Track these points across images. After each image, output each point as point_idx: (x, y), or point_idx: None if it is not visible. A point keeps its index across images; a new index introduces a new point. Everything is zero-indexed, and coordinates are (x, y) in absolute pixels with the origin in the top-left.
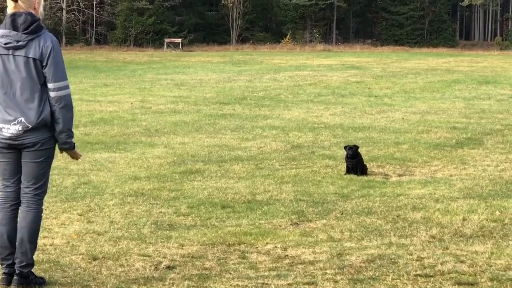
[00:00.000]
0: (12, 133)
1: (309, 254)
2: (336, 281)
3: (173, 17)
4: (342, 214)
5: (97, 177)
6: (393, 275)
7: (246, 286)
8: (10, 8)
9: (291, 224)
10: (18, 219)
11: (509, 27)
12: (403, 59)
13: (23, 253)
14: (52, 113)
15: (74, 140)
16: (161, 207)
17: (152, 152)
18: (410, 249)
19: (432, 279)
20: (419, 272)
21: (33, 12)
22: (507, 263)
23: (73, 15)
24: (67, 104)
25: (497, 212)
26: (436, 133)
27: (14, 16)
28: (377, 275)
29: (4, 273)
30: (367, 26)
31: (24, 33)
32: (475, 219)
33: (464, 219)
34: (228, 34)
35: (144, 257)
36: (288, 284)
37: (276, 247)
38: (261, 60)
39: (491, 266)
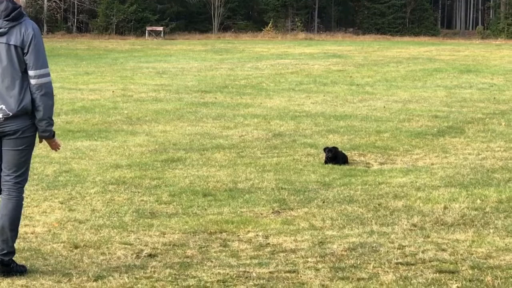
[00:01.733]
0: None
1: (291, 242)
2: (317, 269)
3: (154, 5)
4: (323, 202)
5: (78, 165)
6: (375, 263)
7: (227, 274)
8: None
9: (272, 212)
10: None
11: (491, 16)
12: (385, 48)
13: (4, 241)
14: (32, 100)
15: (54, 128)
16: (142, 195)
17: (133, 140)
18: (391, 237)
19: (413, 267)
20: (400, 260)
21: (13, 0)
22: (487, 251)
23: (54, 3)
24: (47, 92)
25: (478, 201)
26: (417, 122)
27: None
28: (358, 263)
29: None
30: (349, 14)
31: (5, 20)
32: (456, 208)
33: (445, 208)
34: (210, 23)
35: (126, 245)
36: (270, 272)
37: (257, 235)
38: (243, 48)
39: (472, 254)
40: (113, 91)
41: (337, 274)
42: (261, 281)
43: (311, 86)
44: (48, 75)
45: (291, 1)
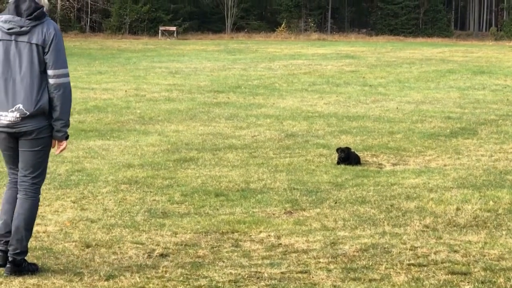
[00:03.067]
0: (9, 120)
1: (303, 243)
2: (329, 270)
3: (168, 5)
4: (335, 203)
5: (91, 165)
6: (387, 264)
7: (239, 274)
8: None
9: (284, 212)
10: (17, 206)
11: (504, 17)
12: (398, 49)
13: (18, 240)
14: (50, 100)
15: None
16: (154, 195)
17: (146, 140)
18: (403, 238)
19: (425, 268)
20: (412, 261)
21: (36, 0)
22: (500, 253)
23: (67, 2)
24: (65, 92)
25: (491, 202)
26: (430, 123)
27: (18, 2)
28: (370, 264)
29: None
30: (362, 15)
31: (28, 19)
32: (469, 209)
33: (457, 209)
34: (223, 23)
35: (137, 245)
36: (281, 272)
37: (269, 235)
38: (256, 48)
39: (484, 256)
40: (125, 91)
41: (349, 275)
42: (273, 282)
43: (324, 87)
44: (67, 75)
45: (304, 1)
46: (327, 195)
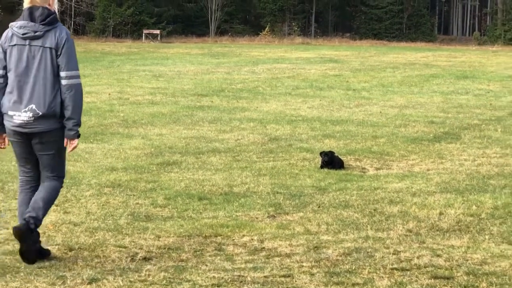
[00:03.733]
0: (22, 120)
1: (286, 247)
2: (312, 274)
3: (151, 8)
4: (319, 207)
5: (74, 168)
6: (370, 268)
7: (222, 278)
8: (27, 2)
9: (268, 216)
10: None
11: (488, 22)
12: (382, 53)
13: (35, 208)
14: (62, 100)
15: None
16: (138, 198)
17: (129, 143)
18: (386, 242)
19: (408, 272)
20: (395, 265)
21: (48, 6)
22: (483, 257)
23: None
24: (77, 93)
25: (474, 207)
26: (413, 127)
27: (31, 9)
28: (353, 268)
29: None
30: (346, 19)
31: (42, 24)
32: (452, 214)
33: (440, 213)
34: (206, 26)
35: (120, 248)
36: (265, 276)
37: (252, 239)
38: (240, 52)
39: (467, 260)
40: (109, 94)
41: (332, 279)
42: (256, 285)
43: (307, 91)
44: (78, 77)
45: (288, 5)
46: (311, 199)
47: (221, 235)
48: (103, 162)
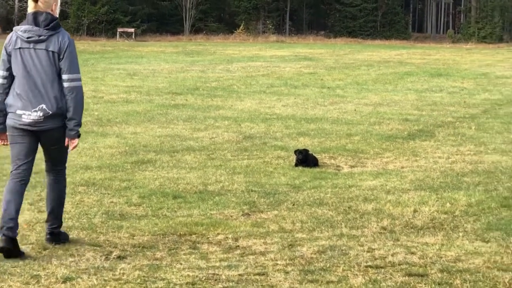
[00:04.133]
0: (33, 119)
1: (260, 245)
2: (287, 272)
3: (126, 6)
4: (293, 205)
5: None
6: (344, 266)
7: (196, 276)
8: (31, 8)
9: (242, 214)
10: (47, 190)
11: (461, 20)
12: (356, 51)
13: (55, 218)
14: (65, 101)
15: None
16: (112, 197)
17: (103, 142)
18: (361, 240)
19: (382, 270)
20: (369, 263)
21: (51, 12)
22: (457, 254)
23: (25, 3)
24: (78, 94)
25: (448, 204)
26: (388, 125)
27: (36, 14)
28: (328, 266)
29: (3, 235)
30: (320, 17)
31: (46, 29)
32: (426, 211)
33: (415, 211)
34: (181, 24)
35: (95, 247)
36: (239, 274)
37: (227, 237)
38: (214, 50)
39: (441, 257)
40: (83, 92)
41: (307, 277)
42: (230, 284)
43: (282, 89)
44: (79, 79)
45: (262, 3)
46: (285, 197)
47: (195, 234)
48: (77, 160)
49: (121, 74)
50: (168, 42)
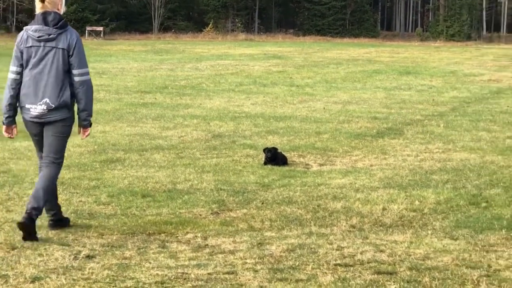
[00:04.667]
0: (38, 112)
1: (229, 244)
2: (256, 271)
3: (94, 5)
4: (262, 203)
5: (16, 166)
6: (313, 264)
7: (165, 275)
8: (39, 8)
9: (211, 213)
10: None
11: (430, 18)
12: (325, 49)
13: (37, 199)
14: (76, 94)
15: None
16: (81, 196)
17: (72, 141)
18: (330, 238)
19: (351, 268)
20: (339, 261)
21: (57, 11)
22: (425, 252)
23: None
24: (88, 88)
25: (417, 202)
26: (357, 123)
27: (44, 14)
28: (297, 264)
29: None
30: (289, 15)
31: (55, 28)
32: (395, 209)
33: (384, 209)
34: (150, 23)
35: (64, 247)
36: (208, 273)
37: (196, 236)
38: (183, 49)
39: (410, 255)
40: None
41: (276, 275)
42: (200, 283)
43: (251, 87)
44: (88, 73)
45: (231, 1)
46: (254, 196)
47: (164, 232)
48: None
49: (90, 73)
50: (137, 41)
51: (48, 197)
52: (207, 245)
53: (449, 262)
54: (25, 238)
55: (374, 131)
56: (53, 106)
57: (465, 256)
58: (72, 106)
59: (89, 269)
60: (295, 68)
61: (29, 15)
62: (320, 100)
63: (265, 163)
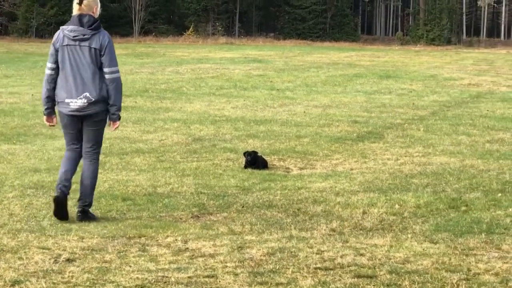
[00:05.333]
0: (79, 106)
1: (210, 247)
2: (236, 274)
3: None
4: (243, 207)
5: None
6: (293, 268)
7: (146, 279)
8: (76, 10)
9: (191, 217)
10: (83, 170)
11: (410, 22)
12: (306, 53)
13: (87, 195)
14: (106, 90)
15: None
16: None
17: (52, 144)
18: (310, 242)
19: (331, 272)
20: (319, 265)
21: (92, 14)
22: (405, 256)
23: None
24: (118, 84)
25: (397, 206)
26: (337, 127)
27: (80, 16)
28: (277, 268)
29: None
30: (270, 19)
31: (89, 29)
32: (375, 213)
33: (364, 213)
34: (130, 26)
35: (44, 250)
36: (188, 277)
37: (176, 240)
38: (164, 52)
39: (390, 259)
40: (32, 95)
41: (256, 279)
42: (180, 286)
43: (231, 91)
44: (118, 71)
45: (212, 5)
46: (234, 199)
47: (145, 236)
48: (26, 163)
49: None
50: (117, 44)
51: (94, 188)
52: (187, 248)
53: (429, 266)
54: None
55: (355, 135)
56: (93, 99)
57: (445, 259)
58: (107, 101)
59: (69, 272)
60: (276, 71)
61: (10, 18)
62: (301, 103)
63: (246, 167)
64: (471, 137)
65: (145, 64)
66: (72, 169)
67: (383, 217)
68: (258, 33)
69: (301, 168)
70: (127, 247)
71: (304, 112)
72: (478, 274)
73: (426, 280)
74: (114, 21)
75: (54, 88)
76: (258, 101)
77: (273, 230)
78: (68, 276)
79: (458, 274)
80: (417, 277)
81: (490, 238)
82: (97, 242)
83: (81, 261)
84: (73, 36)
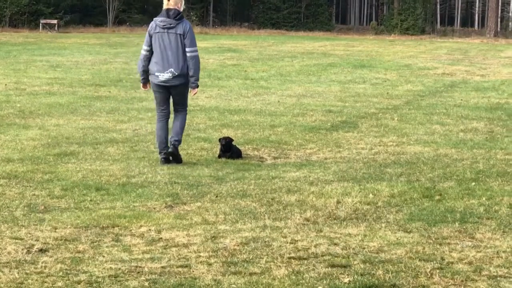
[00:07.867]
0: (166, 78)
1: (183, 237)
2: (210, 264)
3: None
4: (216, 196)
5: None
6: (267, 257)
7: (119, 269)
8: (165, 5)
9: (165, 206)
10: (174, 121)
11: (384, 12)
12: (280, 42)
13: (177, 134)
14: (188, 65)
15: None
16: (34, 189)
17: (26, 134)
18: (284, 231)
19: (305, 261)
20: (293, 254)
21: (177, 8)
22: (379, 245)
23: None
24: (196, 61)
25: (371, 195)
26: (311, 116)
27: (168, 10)
28: (251, 257)
29: (162, 158)
30: (244, 9)
31: (174, 20)
32: (349, 202)
33: (338, 202)
34: (104, 16)
35: (16, 240)
36: (162, 267)
37: (150, 230)
38: (138, 42)
39: (363, 248)
40: (5, 85)
41: (230, 268)
42: (153, 276)
43: (205, 80)
44: (197, 51)
45: None
46: (208, 189)
47: (118, 226)
48: None
49: (44, 66)
50: (91, 34)
51: (183, 133)
52: (161, 238)
53: (403, 255)
54: (168, 161)
55: (329, 124)
56: (176, 74)
57: (419, 248)
58: (187, 75)
59: (42, 262)
60: (250, 61)
61: None
62: (275, 93)
63: (220, 156)
64: (445, 127)
65: (119, 54)
66: (165, 134)
67: (357, 207)
68: (233, 23)
69: (275, 158)
70: (101, 237)
71: (278, 101)
72: (452, 263)
73: (400, 269)
74: (88, 11)
75: (148, 64)
76: (232, 91)
77: (247, 220)
78: (41, 267)
79: (432, 263)
80: (391, 266)
81: (464, 227)
82: (70, 232)
83: (54, 251)
84: (163, 25)
